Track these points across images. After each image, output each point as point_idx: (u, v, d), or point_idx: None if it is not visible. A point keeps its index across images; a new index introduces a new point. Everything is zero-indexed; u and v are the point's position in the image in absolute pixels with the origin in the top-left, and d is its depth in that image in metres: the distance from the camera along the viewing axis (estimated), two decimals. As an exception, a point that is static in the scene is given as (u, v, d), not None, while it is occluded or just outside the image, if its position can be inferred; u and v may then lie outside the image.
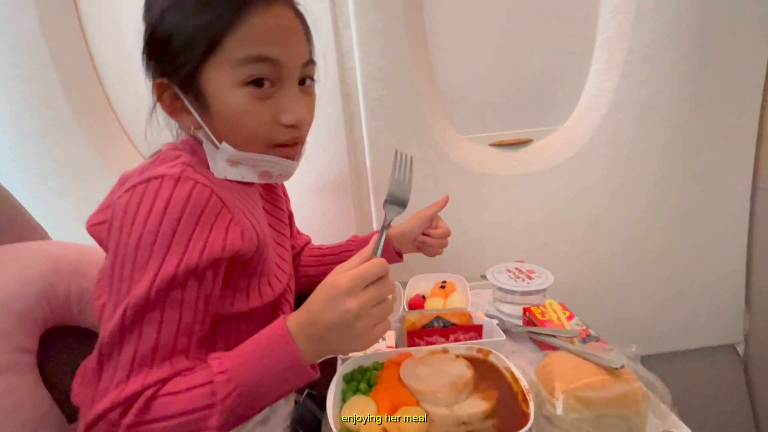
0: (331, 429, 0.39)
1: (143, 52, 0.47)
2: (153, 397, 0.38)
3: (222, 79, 0.44)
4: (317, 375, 0.43)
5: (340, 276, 0.40)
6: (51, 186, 0.93)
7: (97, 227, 0.47)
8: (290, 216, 0.74)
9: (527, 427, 0.35)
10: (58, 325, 0.57)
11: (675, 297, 1.02)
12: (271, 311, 0.54)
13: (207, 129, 0.46)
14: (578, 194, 0.96)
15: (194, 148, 0.49)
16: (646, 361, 1.11)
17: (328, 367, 0.64)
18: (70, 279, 0.57)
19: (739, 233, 0.99)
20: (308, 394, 0.65)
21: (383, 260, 0.41)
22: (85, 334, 0.62)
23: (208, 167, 0.48)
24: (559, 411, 0.38)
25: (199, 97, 0.45)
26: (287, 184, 0.67)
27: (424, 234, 0.72)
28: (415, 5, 0.88)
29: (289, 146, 0.49)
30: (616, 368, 0.39)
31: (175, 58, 0.44)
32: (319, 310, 0.40)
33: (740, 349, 1.08)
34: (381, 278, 0.40)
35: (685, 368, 1.07)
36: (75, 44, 0.91)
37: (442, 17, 0.91)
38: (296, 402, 0.62)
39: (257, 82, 0.44)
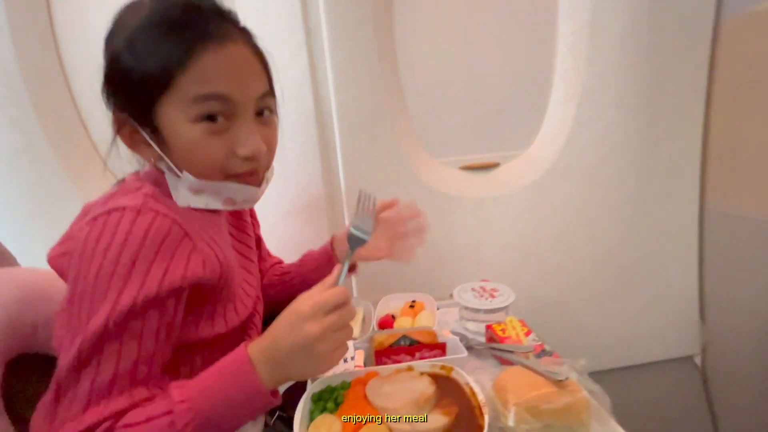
0: (296, 448, 0.40)
1: (103, 86, 0.48)
2: (110, 429, 0.39)
3: (176, 115, 0.45)
4: (278, 401, 0.44)
5: (304, 302, 0.42)
6: (21, 211, 0.93)
7: (59, 258, 0.47)
8: (258, 239, 0.75)
9: (481, 440, 0.38)
10: (24, 353, 0.56)
11: (634, 312, 1.07)
12: (238, 336, 0.55)
13: (167, 160, 0.47)
14: (541, 216, 1.01)
15: (157, 179, 0.50)
16: (609, 375, 1.14)
17: (299, 389, 0.65)
18: (38, 306, 0.57)
19: (690, 252, 1.06)
20: (279, 417, 0.66)
21: (345, 288, 0.43)
22: (52, 362, 0.61)
23: (171, 197, 0.49)
24: (511, 422, 0.41)
25: (156, 131, 0.47)
26: (261, 208, 0.69)
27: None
28: (387, 37, 0.94)
29: (247, 175, 0.50)
30: (563, 380, 0.43)
31: (132, 94, 0.46)
32: (281, 335, 0.42)
33: (698, 361, 1.14)
34: (342, 305, 0.42)
35: (647, 381, 1.12)
36: (49, 67, 0.92)
37: (414, 48, 0.97)
38: (266, 425, 0.62)
39: (211, 118, 0.45)
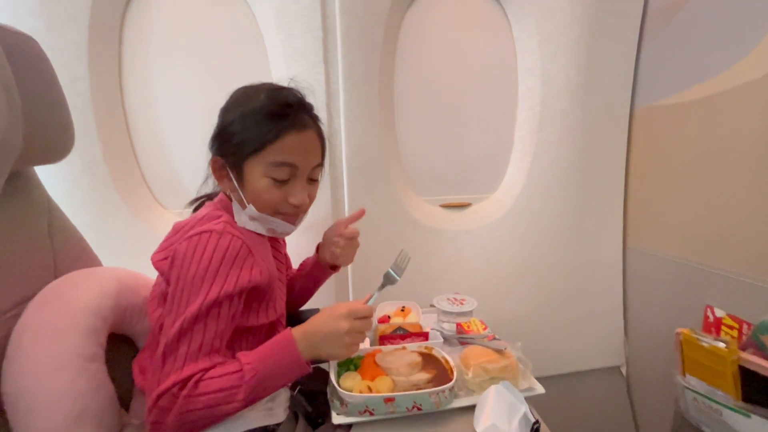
0: (334, 387, 0.62)
1: (213, 138, 0.69)
2: (200, 380, 0.55)
3: (256, 169, 0.65)
4: (310, 370, 0.61)
5: (343, 306, 0.62)
6: (77, 222, 1.10)
7: (160, 262, 0.65)
8: (287, 258, 0.96)
9: (451, 383, 0.61)
10: (114, 332, 0.75)
11: (570, 327, 1.32)
12: (273, 329, 0.73)
13: (241, 194, 0.66)
14: (503, 247, 1.27)
15: (227, 207, 0.70)
16: (549, 380, 1.37)
17: (317, 370, 0.86)
18: (129, 296, 0.75)
19: (616, 279, 1.34)
20: (300, 390, 0.86)
21: (372, 308, 0.64)
22: (124, 340, 0.80)
23: (236, 223, 0.68)
24: (470, 376, 0.64)
25: (239, 174, 0.66)
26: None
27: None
28: (388, 102, 1.21)
29: (290, 215, 0.70)
30: (502, 350, 0.67)
31: (233, 149, 0.66)
32: (319, 324, 0.61)
33: (624, 370, 1.40)
34: (367, 317, 0.62)
35: (580, 386, 1.36)
36: (115, 107, 1.12)
37: (407, 112, 1.23)
38: (292, 395, 0.82)
39: (278, 177, 0.65)
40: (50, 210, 0.79)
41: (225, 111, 0.69)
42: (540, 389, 0.64)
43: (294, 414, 0.76)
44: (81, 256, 0.79)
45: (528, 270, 1.30)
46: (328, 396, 0.64)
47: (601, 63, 1.22)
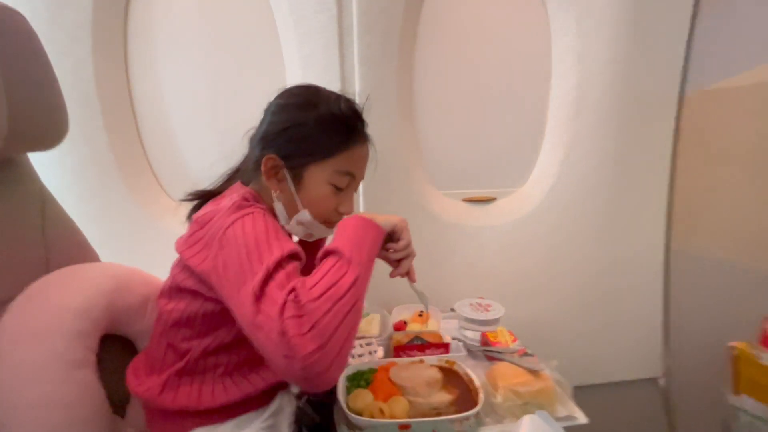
0: (342, 409, 0.54)
1: (267, 132, 0.66)
2: (299, 285, 0.48)
3: (321, 175, 0.64)
4: (383, 231, 0.61)
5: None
6: (82, 214, 1.06)
7: (194, 256, 0.58)
8: None
9: (476, 409, 0.53)
10: (109, 333, 0.70)
11: (604, 335, 1.22)
12: None
13: (296, 197, 0.65)
14: (530, 246, 1.17)
15: (257, 199, 0.66)
16: (579, 391, 1.28)
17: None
18: (125, 295, 0.70)
19: (656, 283, 1.22)
20: (308, 400, 0.80)
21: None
22: (121, 341, 0.75)
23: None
24: (499, 399, 0.56)
25: (297, 177, 0.64)
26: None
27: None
28: (407, 92, 1.11)
29: (332, 223, 0.69)
30: (538, 371, 0.58)
31: (299, 151, 0.63)
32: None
33: (661, 382, 1.29)
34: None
35: (612, 398, 1.25)
36: (121, 95, 1.07)
37: (427, 100, 1.14)
38: (298, 406, 0.76)
39: (338, 185, 0.65)
40: (44, 201, 0.74)
41: (289, 109, 0.66)
42: (582, 418, 0.55)
43: (299, 429, 0.70)
44: (77, 251, 0.74)
45: (558, 271, 1.19)
46: (335, 417, 0.56)
47: (647, 41, 1.08)
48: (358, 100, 1.05)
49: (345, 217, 0.68)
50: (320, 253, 0.55)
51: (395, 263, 0.68)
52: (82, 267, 0.69)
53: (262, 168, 0.64)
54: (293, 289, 0.47)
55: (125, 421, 0.70)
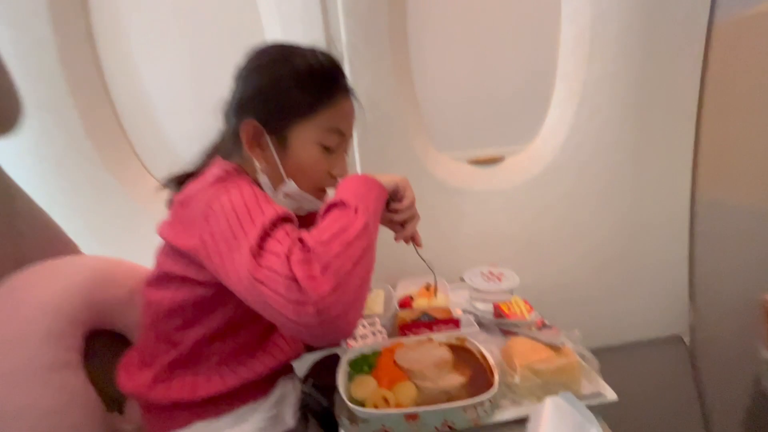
0: (342, 400, 0.49)
1: (241, 99, 0.60)
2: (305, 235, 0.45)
3: (307, 135, 0.58)
4: (385, 189, 0.57)
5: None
6: (66, 204, 1.01)
7: (178, 237, 0.54)
8: None
9: (492, 392, 0.47)
10: (95, 329, 0.66)
11: (627, 294, 1.15)
12: (267, 331, 0.64)
13: (280, 166, 0.59)
14: (543, 208, 1.09)
15: (240, 172, 0.59)
16: (603, 352, 1.23)
17: (331, 362, 0.75)
18: (106, 288, 0.66)
19: (682, 237, 1.14)
20: (313, 385, 0.76)
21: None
22: (115, 336, 0.71)
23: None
24: (517, 380, 0.50)
25: (281, 143, 0.58)
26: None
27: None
28: (402, 40, 1.01)
29: (324, 192, 0.64)
30: (559, 346, 0.51)
31: (278, 112, 0.58)
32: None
33: (686, 339, 1.23)
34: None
35: (638, 359, 1.21)
36: (91, 74, 0.99)
37: (425, 50, 1.03)
38: (303, 392, 0.72)
39: (327, 146, 0.60)
40: (10, 194, 0.68)
41: (261, 69, 0.60)
42: (611, 395, 0.49)
43: (305, 415, 0.66)
44: (51, 244, 0.69)
45: (575, 231, 1.11)
46: (336, 409, 0.51)
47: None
48: (348, 59, 0.96)
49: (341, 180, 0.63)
50: (322, 208, 0.51)
51: (399, 227, 0.64)
52: (54, 262, 0.63)
53: (242, 137, 0.58)
54: (298, 240, 0.44)
55: (124, 417, 0.67)
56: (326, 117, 0.59)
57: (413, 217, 0.63)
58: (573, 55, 1.04)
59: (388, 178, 0.59)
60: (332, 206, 0.50)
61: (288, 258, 0.42)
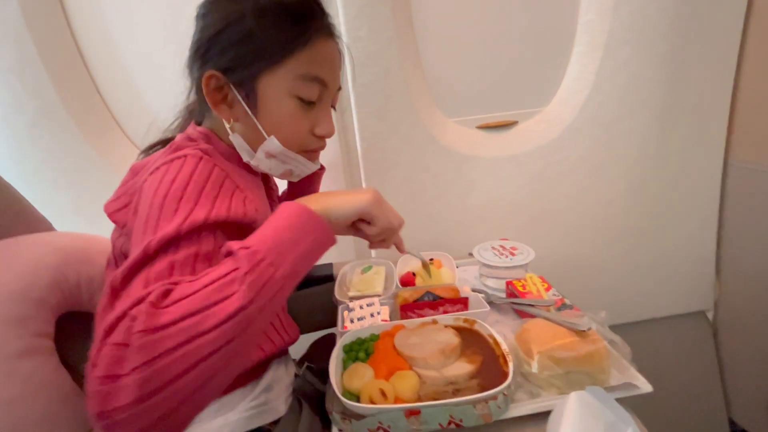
0: (334, 393, 0.43)
1: (199, 47, 0.50)
2: (170, 289, 0.34)
3: (279, 86, 0.49)
4: (334, 237, 0.43)
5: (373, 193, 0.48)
6: (45, 178, 0.95)
7: (117, 213, 0.50)
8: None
9: (506, 383, 0.41)
10: (71, 311, 0.60)
11: (650, 268, 1.08)
12: None
13: (256, 121, 0.50)
14: (560, 174, 1.00)
15: (209, 137, 0.52)
16: (624, 328, 1.16)
17: (328, 343, 0.69)
18: (79, 267, 0.60)
19: (711, 207, 1.05)
20: (308, 367, 0.71)
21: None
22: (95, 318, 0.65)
23: (221, 156, 0.51)
24: (535, 369, 0.43)
25: (250, 96, 0.49)
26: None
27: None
28: (401, -9, 0.89)
29: (313, 152, 0.56)
30: (584, 331, 0.44)
31: (242, 59, 0.48)
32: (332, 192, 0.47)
33: (710, 316, 1.16)
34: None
35: (660, 334, 1.15)
36: (61, 35, 0.91)
37: (428, 2, 0.92)
38: (296, 375, 0.67)
39: (304, 98, 0.50)
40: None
41: (220, 6, 0.50)
42: (645, 386, 0.42)
43: (298, 401, 0.61)
44: (17, 220, 0.63)
45: (594, 201, 1.03)
46: (326, 403, 0.45)
47: None
48: (341, 9, 0.85)
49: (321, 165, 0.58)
50: (224, 249, 0.38)
51: (375, 243, 0.53)
52: (19, 240, 0.57)
53: (204, 92, 0.49)
54: (149, 294, 0.32)
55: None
56: (300, 62, 0.49)
57: (387, 238, 0.52)
58: (596, 3, 0.91)
59: (347, 202, 0.46)
60: (228, 254, 0.37)
61: (110, 330, 0.31)
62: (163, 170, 0.43)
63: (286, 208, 0.41)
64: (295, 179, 0.60)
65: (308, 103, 0.51)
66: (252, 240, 0.38)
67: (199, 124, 0.56)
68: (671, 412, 1.13)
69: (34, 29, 0.86)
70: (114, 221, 0.50)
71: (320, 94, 0.51)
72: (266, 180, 0.68)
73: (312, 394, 0.66)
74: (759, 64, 0.93)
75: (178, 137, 0.52)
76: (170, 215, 0.39)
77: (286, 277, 0.37)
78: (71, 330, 0.60)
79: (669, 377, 1.14)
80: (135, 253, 0.37)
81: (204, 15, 0.50)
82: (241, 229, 0.46)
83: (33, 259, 0.55)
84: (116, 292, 0.35)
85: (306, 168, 0.56)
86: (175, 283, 0.34)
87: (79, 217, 0.97)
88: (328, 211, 0.43)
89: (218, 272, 0.35)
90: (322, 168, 0.77)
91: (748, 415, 1.11)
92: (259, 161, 0.53)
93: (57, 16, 0.90)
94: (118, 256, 0.52)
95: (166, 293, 0.33)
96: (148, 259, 0.37)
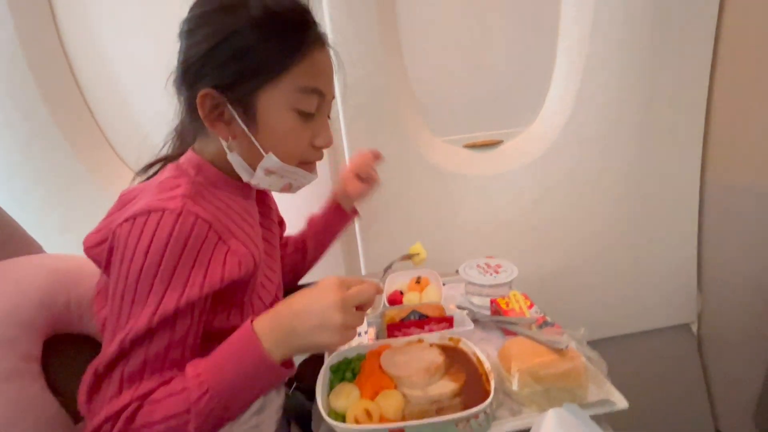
0: (320, 414, 0.44)
1: (188, 63, 0.48)
2: (139, 408, 0.40)
3: (278, 100, 0.48)
4: (290, 371, 0.45)
5: (330, 285, 0.44)
6: (36, 197, 0.95)
7: (95, 249, 0.49)
8: (280, 223, 0.77)
9: (487, 402, 0.42)
10: (60, 333, 0.60)
11: (634, 283, 1.10)
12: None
13: (254, 139, 0.49)
14: (545, 192, 1.03)
15: (199, 166, 0.52)
16: (610, 342, 1.17)
17: (316, 362, 0.69)
18: (69, 289, 0.60)
19: (690, 223, 1.08)
20: (297, 388, 0.71)
21: (374, 283, 0.47)
22: (86, 339, 0.65)
23: (212, 186, 0.51)
24: (515, 387, 0.44)
25: (248, 112, 0.48)
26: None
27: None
28: (389, 16, 0.93)
29: (311, 164, 0.56)
30: (563, 348, 0.46)
31: (241, 74, 0.47)
32: (292, 302, 0.44)
33: (694, 328, 1.18)
34: (368, 290, 0.45)
35: (644, 348, 1.17)
36: (54, 56, 0.92)
37: (415, 26, 0.95)
38: (286, 394, 0.67)
39: (303, 110, 0.50)
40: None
41: (211, 19, 0.47)
42: (621, 402, 0.43)
43: (287, 421, 0.61)
44: (8, 243, 0.63)
45: (577, 218, 1.06)
46: (312, 424, 0.46)
47: None
48: (331, 35, 0.88)
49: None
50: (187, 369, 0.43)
51: None
52: (7, 263, 0.58)
53: (200, 112, 0.48)
54: (121, 413, 0.40)
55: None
56: (299, 75, 0.48)
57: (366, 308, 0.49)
58: (575, 27, 0.96)
59: (314, 343, 0.44)
60: (184, 389, 0.42)
61: (101, 425, 0.40)
62: (138, 228, 0.42)
63: (246, 343, 0.43)
64: (293, 192, 0.59)
65: (307, 115, 0.50)
66: (205, 365, 0.42)
67: (192, 142, 0.56)
68: (659, 425, 1.14)
69: (28, 50, 0.87)
70: (90, 257, 0.49)
71: (318, 105, 0.51)
72: (262, 198, 0.67)
73: (300, 413, 0.66)
74: (728, 88, 0.98)
75: (169, 167, 0.52)
76: (144, 298, 0.41)
77: (236, 406, 0.44)
78: (59, 352, 0.60)
79: (656, 390, 1.15)
80: (112, 347, 0.41)
81: (191, 31, 0.48)
82: (228, 285, 0.46)
83: (21, 281, 0.55)
84: (99, 380, 0.41)
85: (305, 180, 0.56)
86: (150, 393, 0.41)
87: (69, 236, 0.97)
88: (290, 351, 0.44)
89: (174, 406, 0.40)
90: (355, 211, 0.79)
91: (735, 427, 1.13)
92: (259, 180, 0.52)
93: (50, 38, 0.92)
94: (104, 287, 0.51)
95: (132, 417, 0.40)
96: (123, 353, 0.41)
